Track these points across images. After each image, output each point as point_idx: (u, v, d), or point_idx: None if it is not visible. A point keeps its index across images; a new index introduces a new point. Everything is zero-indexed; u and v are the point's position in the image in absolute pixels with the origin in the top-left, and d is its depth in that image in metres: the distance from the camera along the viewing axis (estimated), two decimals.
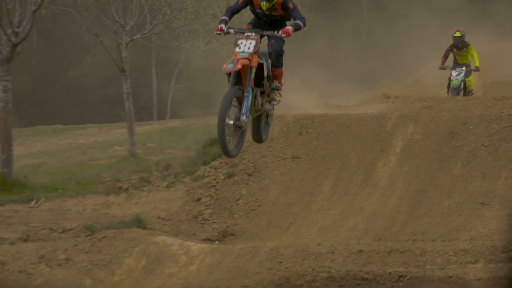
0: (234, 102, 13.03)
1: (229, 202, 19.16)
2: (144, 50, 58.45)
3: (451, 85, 25.65)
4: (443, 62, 25.91)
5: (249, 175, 19.93)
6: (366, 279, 12.69)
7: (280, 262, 13.55)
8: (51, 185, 21.34)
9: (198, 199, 19.35)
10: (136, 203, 19.05)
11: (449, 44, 25.72)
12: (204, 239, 16.77)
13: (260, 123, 14.32)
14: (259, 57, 13.32)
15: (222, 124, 12.64)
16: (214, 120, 24.62)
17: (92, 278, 12.21)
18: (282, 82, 14.07)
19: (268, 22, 13.67)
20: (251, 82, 13.13)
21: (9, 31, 21.57)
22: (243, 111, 13.06)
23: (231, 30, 13.31)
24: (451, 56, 25.76)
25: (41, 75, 63.45)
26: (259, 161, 20.34)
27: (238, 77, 13.15)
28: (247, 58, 12.98)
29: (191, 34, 49.28)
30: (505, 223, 15.53)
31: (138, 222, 16.14)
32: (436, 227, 16.18)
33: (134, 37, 27.84)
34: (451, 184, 17.74)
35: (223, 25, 13.26)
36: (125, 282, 12.05)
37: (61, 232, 15.67)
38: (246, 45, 13.07)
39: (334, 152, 19.98)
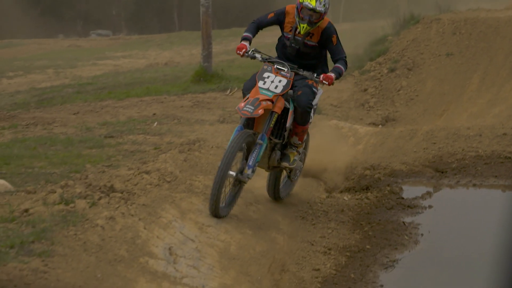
0: (243, 148, 9.01)
1: (391, 92, 19.03)
2: None
3: None
4: None
5: (409, 69, 19.70)
6: (509, 157, 12.39)
7: (434, 143, 13.37)
8: (242, 77, 21.55)
9: (365, 90, 19.28)
10: None
11: None
12: (369, 123, 16.73)
13: (278, 179, 10.23)
14: (286, 100, 9.45)
15: (223, 175, 8.64)
16: (380, 23, 24.41)
17: None
18: (304, 140, 10.07)
19: (295, 54, 9.72)
20: (269, 131, 9.25)
21: None
22: (250, 162, 9.03)
23: (258, 56, 9.54)
24: None
25: None
26: (418, 58, 20.07)
27: (252, 119, 9.27)
28: (271, 100, 9.08)
29: None
30: None
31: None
32: None
33: None
34: None
35: (247, 45, 9.62)
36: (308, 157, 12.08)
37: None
38: (274, 83, 9.17)
39: (483, 50, 19.54)
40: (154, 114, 15.81)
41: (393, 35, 22.50)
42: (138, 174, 9.60)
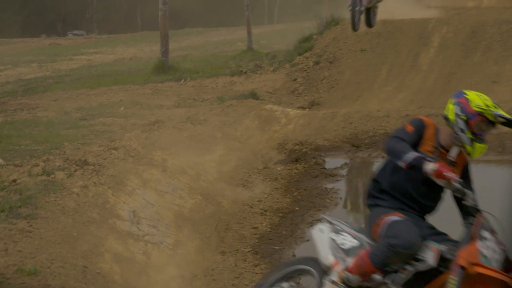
0: None
1: (316, 81, 19.07)
2: None
3: None
4: None
5: (330, 62, 19.76)
6: None
7: (351, 123, 13.51)
8: (194, 69, 21.47)
9: (295, 79, 19.29)
10: (252, 82, 19.10)
11: None
12: (298, 107, 16.76)
13: None
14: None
15: None
16: (307, 24, 24.43)
17: (221, 132, 12.35)
18: None
19: (425, 190, 4.95)
20: None
21: None
22: None
23: (470, 197, 4.74)
24: None
25: None
26: (337, 53, 20.15)
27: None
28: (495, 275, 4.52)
29: None
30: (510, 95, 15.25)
31: (253, 95, 16.17)
32: None
33: None
34: (473, 68, 17.40)
35: (451, 173, 4.66)
36: (243, 135, 12.15)
37: (201, 101, 15.83)
38: (494, 251, 4.62)
39: (390, 46, 19.70)
40: (121, 100, 15.67)
41: (317, 34, 22.57)
42: (107, 150, 9.54)
